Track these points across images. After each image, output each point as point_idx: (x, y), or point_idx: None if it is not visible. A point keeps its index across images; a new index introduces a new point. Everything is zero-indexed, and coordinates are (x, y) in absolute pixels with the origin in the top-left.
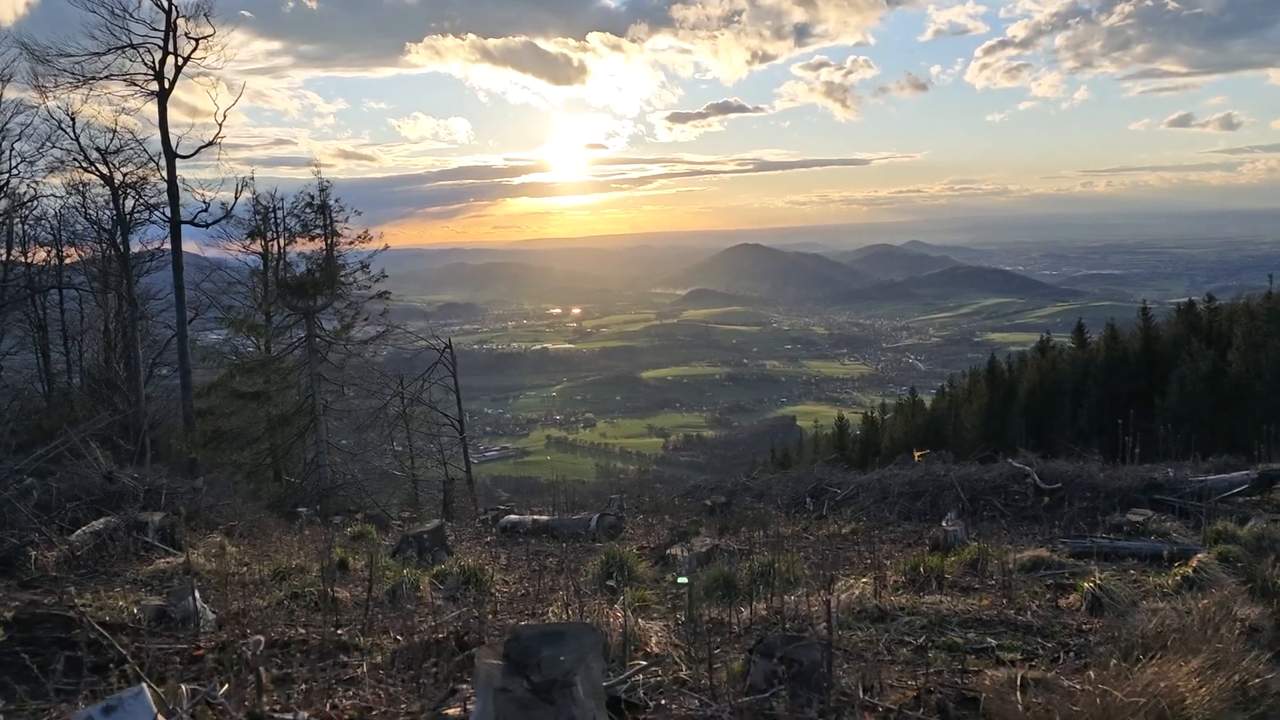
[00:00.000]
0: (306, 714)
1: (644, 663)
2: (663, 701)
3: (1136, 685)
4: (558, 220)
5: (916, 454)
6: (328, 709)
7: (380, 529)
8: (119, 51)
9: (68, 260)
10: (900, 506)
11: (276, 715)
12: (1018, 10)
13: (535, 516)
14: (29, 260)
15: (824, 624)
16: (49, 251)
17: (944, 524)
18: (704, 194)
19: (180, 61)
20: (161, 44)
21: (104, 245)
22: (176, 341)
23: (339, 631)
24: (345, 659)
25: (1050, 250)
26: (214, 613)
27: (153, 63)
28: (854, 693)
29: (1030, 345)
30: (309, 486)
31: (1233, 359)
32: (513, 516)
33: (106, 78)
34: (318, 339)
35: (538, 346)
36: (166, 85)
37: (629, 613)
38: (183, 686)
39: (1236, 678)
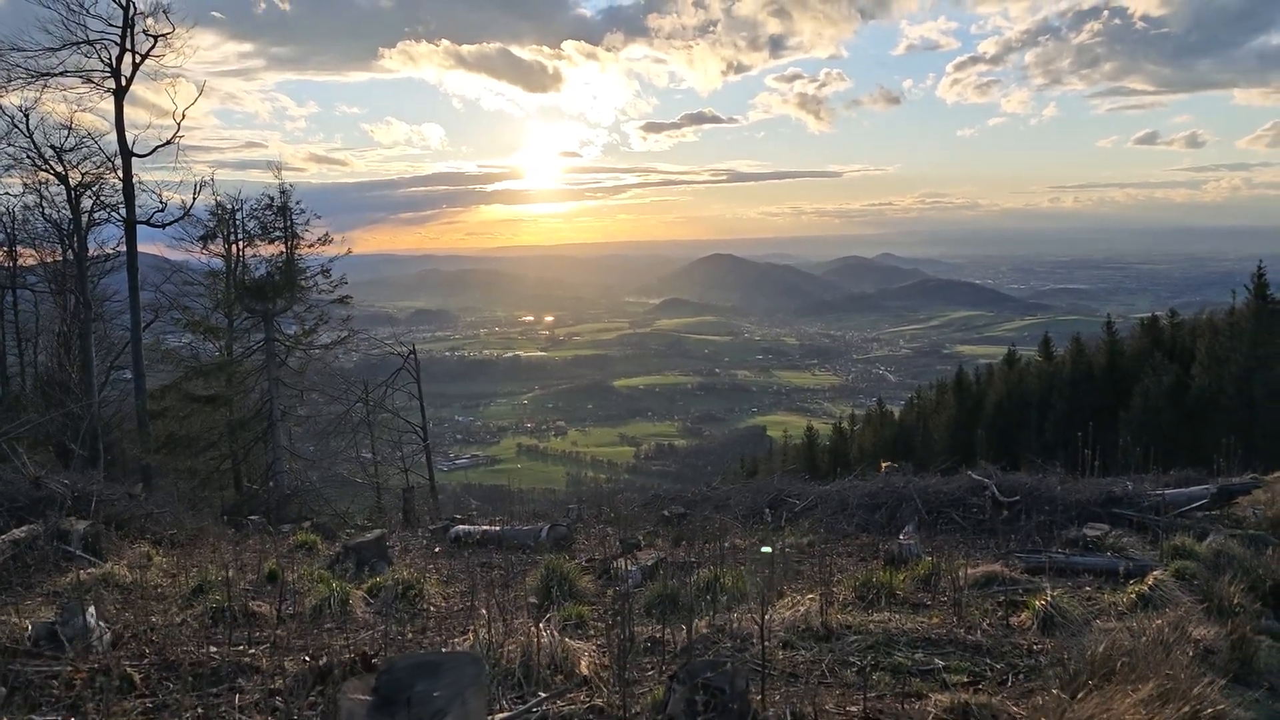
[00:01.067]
0: None
1: (561, 688)
2: None
3: (1079, 717)
4: (531, 228)
5: (883, 465)
6: None
7: (326, 538)
8: (75, 47)
9: (25, 262)
10: (859, 518)
11: None
12: (989, 27)
13: (485, 527)
14: None
15: (764, 644)
16: (5, 252)
17: (900, 537)
18: (678, 204)
19: (138, 59)
20: (119, 41)
21: (64, 246)
22: (131, 344)
23: (252, 651)
24: (244, 682)
25: (1019, 264)
26: (110, 631)
27: (110, 60)
28: None
29: (999, 358)
30: (266, 493)
31: (1196, 373)
32: (462, 527)
33: (62, 74)
34: (276, 342)
35: (510, 354)
36: (124, 83)
37: (555, 632)
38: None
39: (1187, 708)
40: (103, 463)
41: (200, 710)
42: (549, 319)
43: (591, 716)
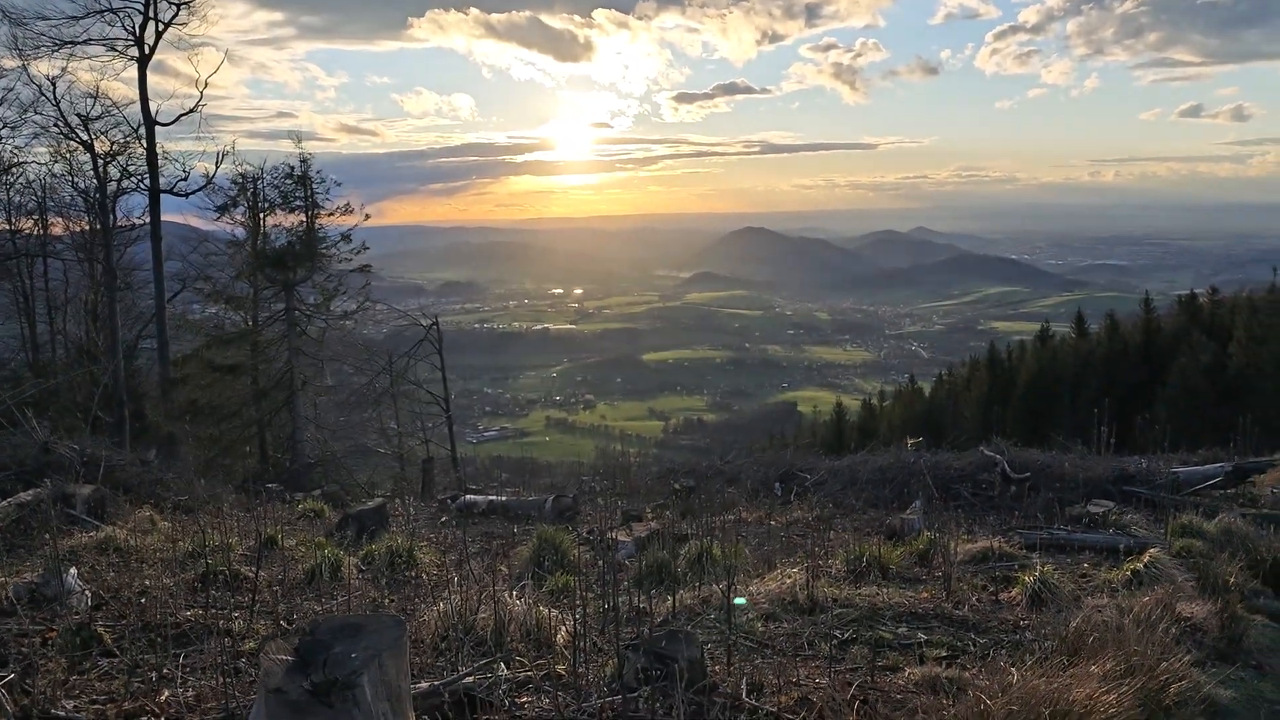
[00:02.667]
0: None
1: (490, 659)
2: (520, 700)
3: (1038, 689)
4: (561, 199)
5: (909, 441)
6: (135, 706)
7: (334, 506)
8: (98, 15)
9: (54, 230)
10: (868, 493)
11: (53, 712)
12: None
13: (491, 498)
14: (14, 228)
15: (750, 614)
16: (35, 220)
17: (906, 512)
18: (709, 175)
19: (161, 27)
20: (142, 9)
21: (91, 215)
22: (155, 312)
23: (234, 615)
24: (213, 644)
25: (1057, 240)
26: (91, 592)
27: (133, 28)
28: (735, 693)
29: (1034, 334)
30: (288, 462)
31: (1234, 352)
32: (469, 497)
33: (86, 42)
34: (297, 312)
35: (539, 326)
36: (147, 51)
37: (529, 601)
38: None
39: (1152, 683)
40: (128, 429)
41: (164, 671)
42: (578, 291)
43: (548, 684)
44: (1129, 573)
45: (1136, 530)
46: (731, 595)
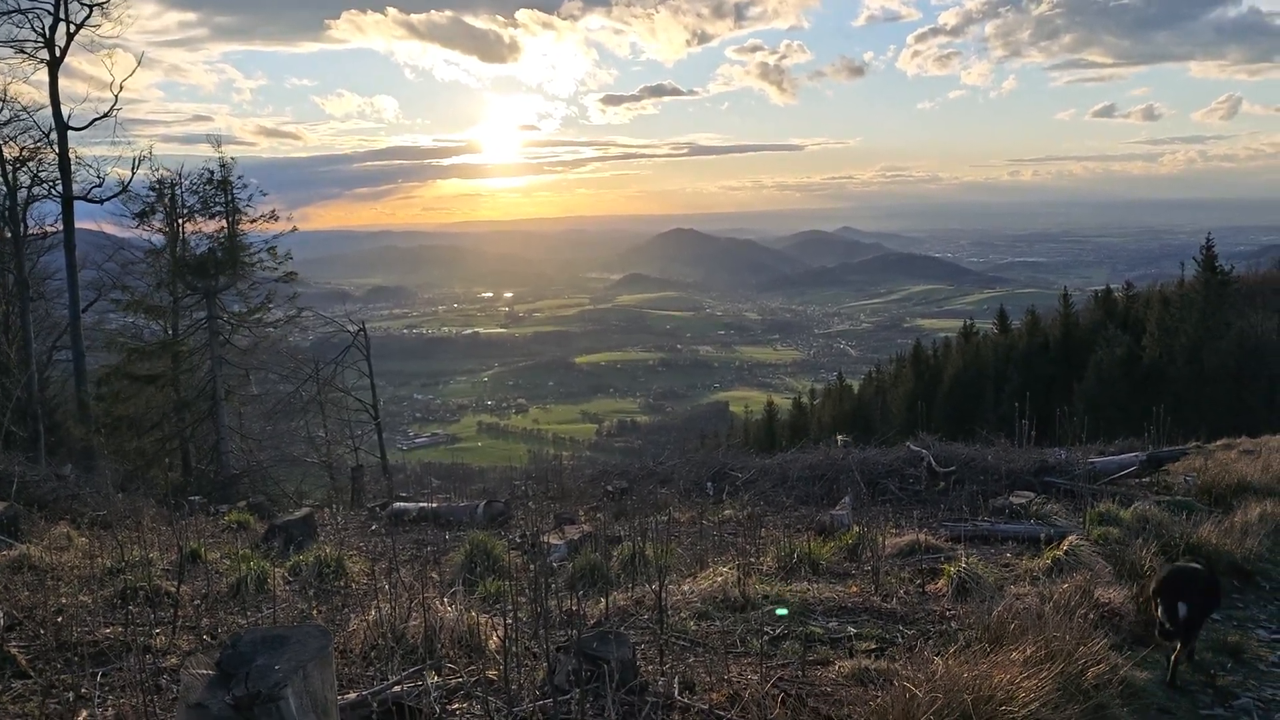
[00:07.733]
0: None
1: (417, 667)
2: (451, 707)
3: (961, 677)
4: (489, 202)
5: (839, 438)
6: None
7: (261, 518)
8: (5, 17)
9: None
10: (799, 491)
11: None
12: None
13: (422, 504)
14: None
15: (683, 614)
16: None
17: (835, 508)
18: (638, 177)
19: (72, 29)
20: (52, 10)
21: (1, 223)
22: (70, 323)
23: (156, 631)
24: (134, 661)
25: (978, 238)
26: (3, 612)
27: (43, 29)
28: (667, 691)
29: (958, 331)
30: (212, 474)
31: (1147, 344)
32: (399, 504)
33: None
34: (220, 320)
35: (469, 331)
36: (58, 54)
37: (460, 607)
38: None
39: (1070, 667)
40: (43, 444)
41: (81, 690)
42: (508, 295)
43: (479, 689)
44: (1049, 561)
45: (1057, 520)
46: (661, 592)
